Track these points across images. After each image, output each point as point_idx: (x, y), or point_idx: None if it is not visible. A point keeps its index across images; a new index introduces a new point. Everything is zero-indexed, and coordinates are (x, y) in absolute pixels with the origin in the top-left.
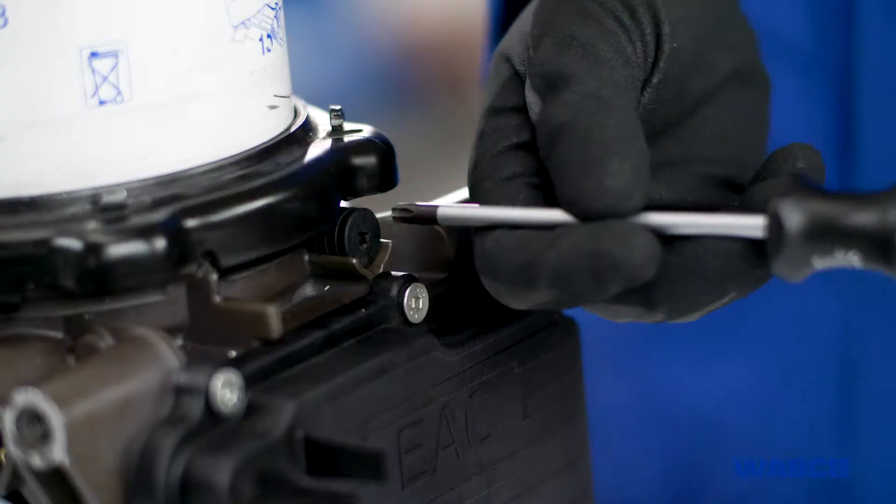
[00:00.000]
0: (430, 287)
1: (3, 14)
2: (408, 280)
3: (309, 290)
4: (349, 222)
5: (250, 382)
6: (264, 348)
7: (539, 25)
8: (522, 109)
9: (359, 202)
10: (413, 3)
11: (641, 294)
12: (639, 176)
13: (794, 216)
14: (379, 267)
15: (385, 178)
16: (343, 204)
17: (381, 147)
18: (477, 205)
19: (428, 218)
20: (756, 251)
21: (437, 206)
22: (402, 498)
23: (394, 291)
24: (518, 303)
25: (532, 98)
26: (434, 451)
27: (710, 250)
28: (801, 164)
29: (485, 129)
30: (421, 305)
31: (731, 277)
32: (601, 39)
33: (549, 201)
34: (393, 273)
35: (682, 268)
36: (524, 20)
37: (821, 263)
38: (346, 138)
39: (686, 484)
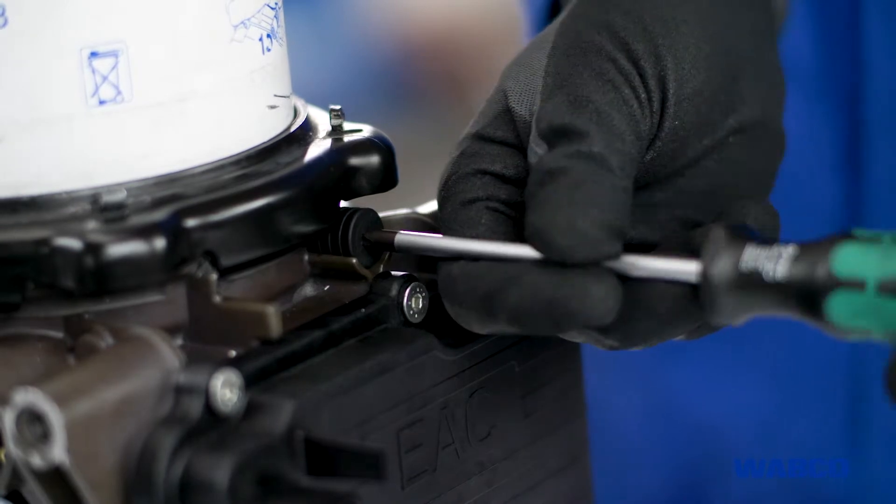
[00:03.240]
0: (430, 287)
1: (3, 14)
2: (408, 280)
3: (309, 289)
4: (353, 222)
5: (250, 382)
6: (264, 348)
7: (553, 76)
8: (507, 143)
9: (358, 202)
10: (413, 3)
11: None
12: (611, 233)
13: (720, 268)
14: (379, 267)
15: (385, 178)
16: (346, 204)
17: (381, 147)
18: (435, 234)
19: (385, 244)
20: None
21: (394, 233)
22: (402, 498)
23: (394, 291)
24: (479, 329)
25: (536, 142)
26: (434, 451)
27: (660, 292)
28: (751, 222)
29: (466, 150)
30: (421, 305)
31: (678, 317)
32: (617, 109)
33: (512, 229)
34: (393, 273)
35: (633, 306)
36: (530, 56)
37: (754, 312)
38: (346, 138)
39: (689, 493)
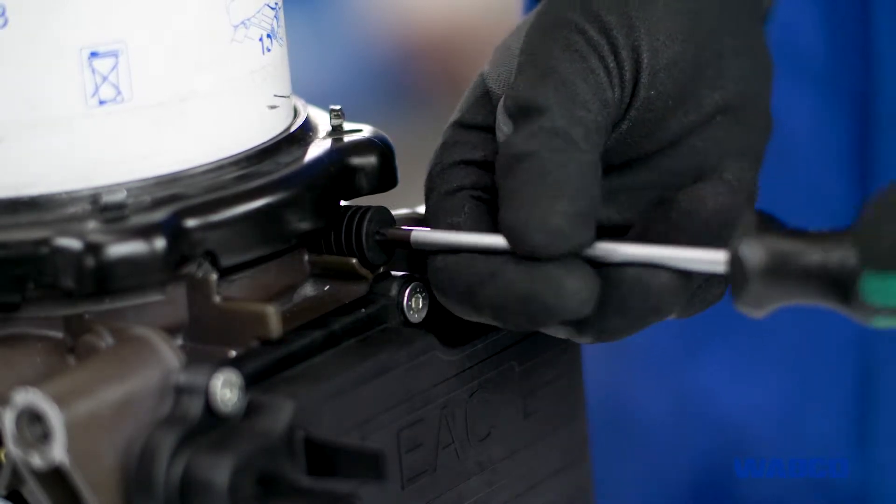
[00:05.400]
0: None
1: (3, 14)
2: (408, 280)
3: (309, 289)
4: (366, 220)
5: (250, 382)
6: (264, 348)
7: (525, 53)
8: (486, 128)
9: (358, 202)
10: (413, 3)
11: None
12: (582, 222)
13: (755, 254)
14: (379, 266)
15: (385, 178)
16: (346, 203)
17: (381, 147)
18: (449, 231)
19: (401, 242)
20: (682, 281)
21: (410, 230)
22: (402, 498)
23: (394, 291)
24: (469, 318)
25: (502, 120)
26: (434, 451)
27: (629, 287)
28: (728, 176)
29: (448, 139)
30: (421, 305)
31: (651, 312)
32: (582, 78)
33: (494, 216)
34: (393, 273)
35: (604, 301)
36: (509, 41)
37: (783, 301)
38: (346, 138)
39: (711, 486)
